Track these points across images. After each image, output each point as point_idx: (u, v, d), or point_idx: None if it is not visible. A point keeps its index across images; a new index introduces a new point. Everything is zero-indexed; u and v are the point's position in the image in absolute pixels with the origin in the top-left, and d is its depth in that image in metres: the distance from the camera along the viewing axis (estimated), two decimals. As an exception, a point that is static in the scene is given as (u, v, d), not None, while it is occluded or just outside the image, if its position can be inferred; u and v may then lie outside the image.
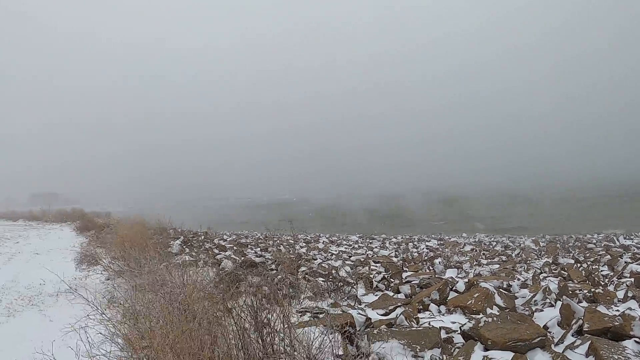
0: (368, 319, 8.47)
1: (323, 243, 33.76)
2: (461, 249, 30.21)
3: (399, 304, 9.83)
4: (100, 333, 7.13)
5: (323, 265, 17.22)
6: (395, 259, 22.26)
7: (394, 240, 40.50)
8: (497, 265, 20.20)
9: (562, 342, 7.57)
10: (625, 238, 36.84)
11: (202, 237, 29.06)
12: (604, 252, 25.26)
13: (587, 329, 7.65)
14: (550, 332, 8.29)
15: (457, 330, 8.03)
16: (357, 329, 7.89)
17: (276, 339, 6.22)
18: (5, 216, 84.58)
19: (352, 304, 10.66)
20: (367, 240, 38.93)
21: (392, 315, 9.11)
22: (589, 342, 6.88)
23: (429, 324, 8.43)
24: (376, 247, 32.42)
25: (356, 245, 33.42)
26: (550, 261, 21.57)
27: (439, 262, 19.54)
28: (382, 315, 9.28)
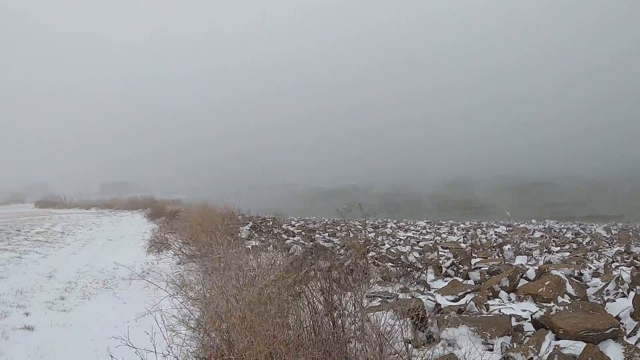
0: (437, 304, 8.51)
1: (391, 229, 33.71)
2: (530, 236, 29.74)
3: (469, 290, 9.84)
4: (174, 316, 7.35)
5: (391, 250, 17.26)
6: (463, 245, 22.15)
7: (462, 226, 40.16)
8: (568, 253, 19.87)
9: (635, 334, 7.45)
10: None
11: (271, 222, 29.28)
12: (681, 240, 24.70)
13: (661, 322, 7.55)
14: (622, 323, 8.14)
15: (527, 319, 7.99)
16: (427, 314, 7.92)
17: (347, 322, 6.32)
18: (79, 205, 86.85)
19: (422, 289, 10.71)
20: (435, 226, 38.71)
21: (462, 301, 9.13)
22: (664, 335, 6.81)
23: (499, 311, 8.41)
24: (444, 232, 32.24)
25: (424, 231, 33.25)
26: (623, 250, 21.13)
27: (508, 249, 19.36)
28: (451, 301, 9.32)
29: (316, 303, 6.50)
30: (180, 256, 16.71)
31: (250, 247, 14.81)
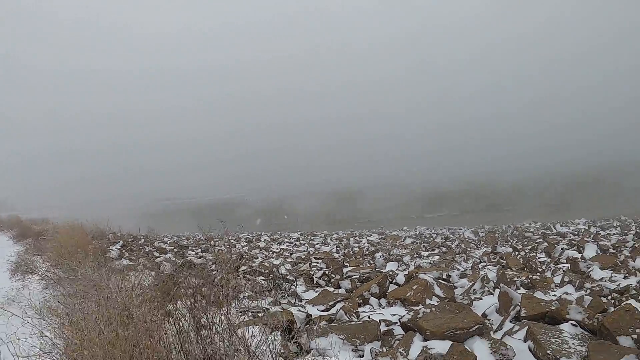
0: (308, 315, 8.50)
1: (264, 242, 33.63)
2: (402, 242, 30.46)
3: (339, 299, 9.90)
4: (34, 346, 7.00)
5: (264, 263, 17.19)
6: (336, 255, 22.37)
7: (335, 236, 40.60)
8: (437, 257, 20.45)
9: (501, 329, 7.77)
10: (561, 226, 37.78)
11: (142, 240, 28.67)
12: (541, 240, 25.83)
13: (524, 315, 7.90)
14: (489, 320, 8.48)
15: (396, 323, 8.13)
16: (298, 326, 7.89)
17: (216, 339, 6.20)
18: None
19: (293, 301, 10.68)
20: (309, 238, 38.94)
21: (333, 310, 9.16)
22: (527, 327, 7.09)
23: (369, 317, 8.49)
24: (317, 243, 32.48)
25: (298, 243, 33.40)
26: (489, 250, 21.93)
27: (380, 256, 19.69)
28: (322, 311, 9.33)
29: (184, 322, 6.34)
30: (46, 280, 16.06)
31: (120, 266, 14.41)
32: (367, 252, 23.21)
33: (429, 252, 23.44)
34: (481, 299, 10.11)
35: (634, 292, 9.84)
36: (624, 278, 12.15)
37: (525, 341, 6.89)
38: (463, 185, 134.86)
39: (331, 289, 11.94)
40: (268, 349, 6.09)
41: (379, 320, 8.09)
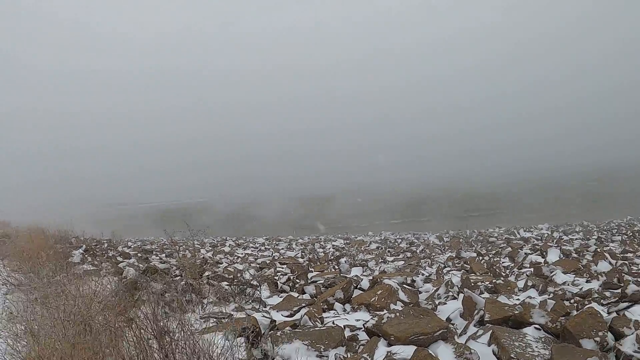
0: (273, 321, 8.42)
1: (229, 246, 33.43)
2: (367, 247, 30.53)
3: (304, 305, 9.85)
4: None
5: (228, 269, 17.06)
6: (301, 260, 22.30)
7: (300, 241, 40.58)
8: (402, 262, 20.51)
9: (465, 333, 7.82)
10: (525, 231, 38.23)
11: (106, 244, 28.32)
12: (505, 245, 26.10)
13: (488, 319, 7.95)
14: (453, 324, 8.54)
15: (361, 328, 8.11)
16: (262, 331, 7.82)
17: (178, 347, 6.10)
18: None
19: (257, 307, 10.60)
20: (274, 243, 38.83)
21: (297, 316, 9.11)
22: (491, 331, 7.14)
23: (333, 323, 8.46)
24: (283, 248, 32.40)
25: (263, 248, 33.30)
26: (454, 255, 22.04)
27: (345, 261, 19.67)
28: (286, 316, 9.27)
29: (146, 329, 6.23)
30: (7, 285, 15.80)
31: (82, 272, 14.20)
32: (332, 257, 23.21)
33: (394, 257, 23.52)
34: (445, 303, 10.15)
35: (596, 295, 9.95)
36: (586, 282, 12.31)
37: (489, 345, 6.93)
38: (436, 192, 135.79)
39: (296, 295, 11.88)
40: (231, 356, 6.01)
41: (344, 326, 8.06)
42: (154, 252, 25.30)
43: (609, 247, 21.97)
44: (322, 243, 36.27)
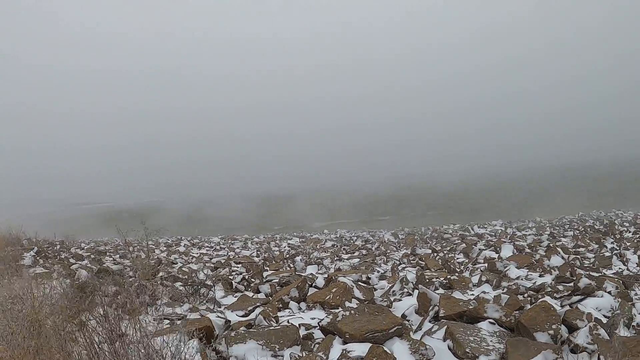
0: (227, 321, 8.34)
1: (184, 246, 33.17)
2: (322, 245, 30.55)
3: (258, 304, 9.78)
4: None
5: (183, 269, 16.92)
6: (256, 259, 22.23)
7: (256, 240, 40.42)
8: (358, 260, 20.53)
9: (421, 329, 7.84)
10: (479, 227, 38.72)
11: (58, 246, 27.88)
12: (459, 241, 26.35)
13: (443, 315, 8.01)
14: (409, 321, 8.57)
15: (316, 326, 8.05)
16: (216, 332, 7.74)
17: (131, 349, 6.00)
18: None
19: (212, 307, 10.51)
20: (229, 242, 38.60)
21: (252, 315, 9.03)
22: (446, 327, 7.17)
23: (288, 322, 8.40)
24: (238, 247, 32.22)
25: (218, 247, 33.07)
26: (409, 252, 22.14)
27: (300, 260, 19.63)
28: (241, 316, 9.19)
29: (97, 333, 6.11)
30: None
31: (33, 274, 13.94)
32: (287, 256, 23.15)
33: (350, 255, 23.54)
34: (401, 300, 10.17)
35: (549, 289, 10.06)
36: (539, 276, 12.44)
37: (444, 340, 6.95)
38: (397, 190, 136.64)
39: (250, 294, 11.81)
40: (185, 357, 5.93)
41: (299, 325, 8.00)
42: (108, 253, 25.02)
43: (561, 242, 22.27)
44: (277, 242, 36.19)
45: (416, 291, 9.73)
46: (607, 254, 17.31)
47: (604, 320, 7.45)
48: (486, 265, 15.03)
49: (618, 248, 19.07)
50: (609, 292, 9.13)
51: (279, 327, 7.70)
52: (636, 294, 9.45)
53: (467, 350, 6.46)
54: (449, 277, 12.37)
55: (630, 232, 26.67)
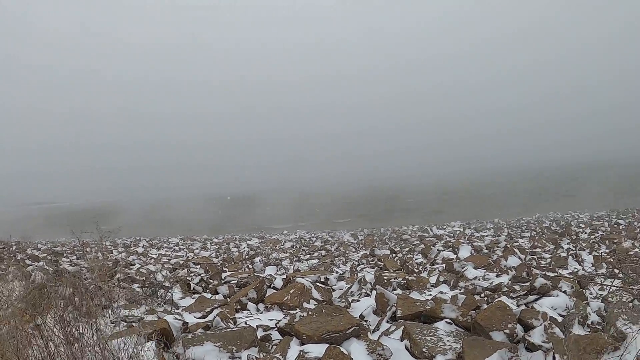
0: (185, 323, 8.29)
1: (143, 247, 32.96)
2: (282, 246, 30.60)
3: (216, 306, 9.71)
4: None
5: (141, 270, 16.79)
6: (215, 260, 22.16)
7: (215, 240, 40.33)
8: (317, 260, 20.59)
9: (378, 329, 7.89)
10: (438, 228, 39.11)
11: (14, 247, 27.55)
12: (418, 242, 26.55)
13: (400, 315, 8.07)
14: (366, 321, 8.61)
15: (274, 328, 8.05)
16: (173, 334, 7.69)
17: (87, 352, 5.94)
18: None
19: (169, 309, 10.43)
20: (189, 243, 38.44)
21: (210, 317, 8.97)
22: (403, 327, 7.22)
23: (246, 323, 8.37)
24: (197, 248, 32.16)
25: (177, 248, 32.96)
26: (368, 253, 22.23)
27: (259, 260, 19.64)
28: (199, 318, 9.12)
29: (53, 336, 6.04)
30: None
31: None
32: (246, 257, 23.14)
33: (309, 255, 23.61)
34: (359, 300, 10.22)
35: (505, 289, 10.15)
36: (496, 276, 12.55)
37: (401, 340, 7.00)
38: (362, 191, 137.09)
39: (208, 295, 11.75)
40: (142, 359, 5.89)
41: (256, 326, 7.98)
42: (65, 255, 24.74)
43: (518, 243, 22.62)
44: (237, 242, 36.18)
45: (374, 292, 9.76)
46: (563, 254, 17.65)
47: (559, 319, 7.54)
48: (444, 265, 15.17)
49: (574, 249, 19.45)
50: (565, 292, 9.26)
51: (236, 328, 7.67)
52: (591, 293, 9.58)
53: (424, 350, 6.51)
54: (407, 277, 12.43)
55: (586, 233, 27.27)
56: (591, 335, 6.48)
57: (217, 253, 27.30)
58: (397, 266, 16.24)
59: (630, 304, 7.95)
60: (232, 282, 13.11)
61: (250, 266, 18.35)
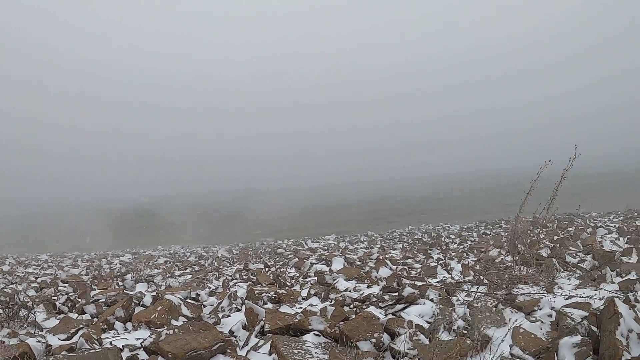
0: (49, 345, 8.02)
1: (9, 265, 31.73)
2: (155, 262, 30.19)
3: (82, 326, 9.45)
4: None
5: (5, 290, 16.12)
6: (85, 277, 21.58)
7: (87, 257, 39.35)
8: (190, 276, 20.41)
9: (247, 345, 7.90)
10: (313, 242, 39.63)
11: None
12: (292, 256, 26.74)
13: (268, 329, 8.10)
14: (236, 337, 8.58)
15: (140, 347, 7.90)
16: (36, 358, 7.42)
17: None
18: None
19: (32, 331, 10.05)
20: (59, 259, 37.27)
21: (75, 338, 8.72)
22: (270, 341, 7.25)
23: (111, 343, 8.17)
24: (67, 265, 31.14)
25: (46, 265, 31.86)
26: (242, 267, 22.19)
27: (130, 277, 19.27)
28: (63, 340, 8.84)
29: None
30: None
31: None
32: (118, 274, 22.63)
33: (182, 271, 23.42)
34: (229, 316, 10.22)
35: (375, 299, 10.38)
36: (367, 287, 12.82)
37: (270, 355, 7.04)
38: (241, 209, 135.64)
39: (75, 316, 11.37)
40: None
41: (122, 346, 7.80)
42: None
43: (390, 255, 23.10)
44: (109, 258, 35.40)
45: (244, 306, 9.76)
46: (433, 264, 18.18)
47: (426, 326, 7.76)
48: (316, 278, 15.32)
49: (443, 258, 20.09)
50: (432, 299, 9.54)
51: (100, 349, 7.46)
52: (458, 300, 9.88)
53: (292, 362, 6.56)
54: (278, 291, 12.49)
55: (455, 243, 28.18)
56: (455, 340, 6.72)
57: (88, 270, 26.61)
58: (270, 280, 16.31)
59: (494, 308, 8.27)
60: (100, 300, 12.75)
61: (120, 283, 17.95)
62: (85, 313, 11.75)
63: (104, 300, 12.67)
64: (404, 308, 8.93)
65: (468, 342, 6.64)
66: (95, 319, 10.65)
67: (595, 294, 8.94)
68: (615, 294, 8.45)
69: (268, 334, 7.89)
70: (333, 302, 10.62)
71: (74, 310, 12.42)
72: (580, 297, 8.85)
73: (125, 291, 14.64)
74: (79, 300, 13.70)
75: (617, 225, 25.95)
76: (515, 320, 7.43)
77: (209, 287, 15.60)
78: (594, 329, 6.91)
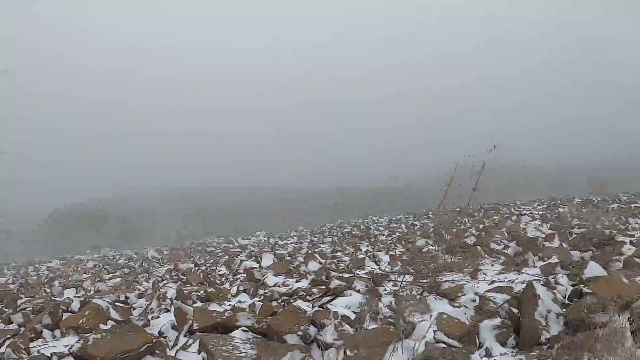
0: (-28, 360, 7.92)
1: None
2: (84, 267, 29.75)
3: (8, 336, 9.29)
4: None
5: None
6: (12, 286, 21.18)
7: (13, 265, 38.54)
8: (120, 279, 20.21)
9: (177, 345, 7.94)
10: (243, 239, 39.51)
11: None
12: (222, 254, 26.64)
13: (197, 328, 8.15)
14: (165, 337, 8.56)
15: (69, 354, 7.84)
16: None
17: None
18: None
19: (-44, 345, 9.86)
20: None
21: (2, 349, 8.60)
22: (199, 339, 7.32)
23: (39, 352, 8.08)
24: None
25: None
26: (172, 268, 22.07)
27: (58, 283, 19.01)
28: (-11, 352, 8.74)
29: None
30: None
31: None
32: (45, 280, 22.27)
33: (112, 274, 23.15)
34: (159, 317, 10.22)
35: (302, 293, 10.49)
36: (296, 282, 12.94)
37: (199, 353, 7.12)
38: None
39: (1, 325, 11.19)
40: None
41: (50, 354, 7.72)
42: None
43: (320, 249, 23.32)
44: (37, 265, 34.73)
45: (173, 307, 9.77)
46: (362, 256, 18.38)
47: (352, 317, 7.91)
48: (246, 275, 15.37)
49: (372, 250, 20.30)
50: (358, 291, 9.66)
51: (27, 359, 7.42)
52: (385, 290, 10.05)
53: (220, 359, 6.62)
54: (208, 289, 12.50)
55: (384, 235, 28.42)
56: (380, 328, 6.92)
57: (15, 278, 26.11)
58: (200, 279, 16.32)
59: (419, 296, 8.50)
60: (27, 309, 12.55)
61: (48, 290, 17.67)
62: (12, 322, 11.56)
63: (31, 308, 12.48)
64: (331, 300, 9.06)
65: (391, 330, 6.83)
66: (22, 328, 10.47)
67: (517, 278, 9.33)
68: (537, 277, 8.84)
69: (197, 333, 7.92)
70: (262, 297, 10.72)
71: (0, 320, 12.22)
72: (502, 281, 9.22)
73: (53, 298, 14.45)
74: (6, 309, 13.45)
75: (540, 213, 26.82)
76: (439, 307, 7.69)
77: (139, 289, 15.49)
78: (515, 311, 7.25)
